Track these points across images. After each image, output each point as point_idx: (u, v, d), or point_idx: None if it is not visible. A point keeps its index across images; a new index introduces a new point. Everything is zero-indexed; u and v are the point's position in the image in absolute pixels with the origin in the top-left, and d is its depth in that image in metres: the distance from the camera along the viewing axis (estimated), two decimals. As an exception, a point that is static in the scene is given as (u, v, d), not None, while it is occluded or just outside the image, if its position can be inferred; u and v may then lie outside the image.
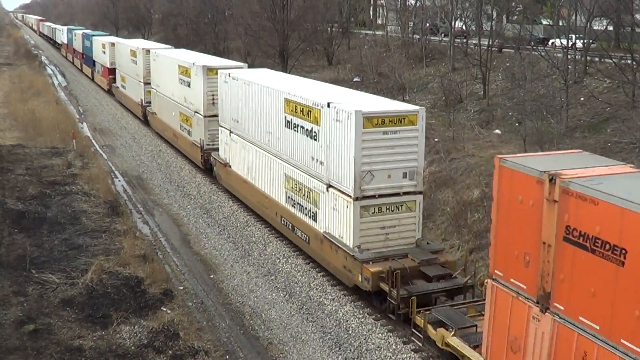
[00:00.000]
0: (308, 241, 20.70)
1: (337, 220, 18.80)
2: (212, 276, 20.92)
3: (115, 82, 54.58)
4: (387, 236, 18.29)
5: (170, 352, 15.59)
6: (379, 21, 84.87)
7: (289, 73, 46.93)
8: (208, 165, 30.63)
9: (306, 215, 20.73)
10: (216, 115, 29.06)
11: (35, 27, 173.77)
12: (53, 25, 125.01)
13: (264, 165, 23.74)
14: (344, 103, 18.77)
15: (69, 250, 21.22)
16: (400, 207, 18.35)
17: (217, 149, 29.39)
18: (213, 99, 29.77)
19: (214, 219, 26.11)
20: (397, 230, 18.39)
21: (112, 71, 55.78)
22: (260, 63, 52.33)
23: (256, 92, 24.02)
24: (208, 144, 30.48)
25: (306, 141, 20.31)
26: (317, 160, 19.75)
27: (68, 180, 29.29)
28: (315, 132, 19.71)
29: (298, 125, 20.76)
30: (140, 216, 26.68)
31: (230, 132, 26.98)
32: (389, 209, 18.25)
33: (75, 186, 28.33)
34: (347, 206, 18.09)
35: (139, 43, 49.93)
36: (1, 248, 20.99)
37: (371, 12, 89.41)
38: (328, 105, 18.78)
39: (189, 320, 17.29)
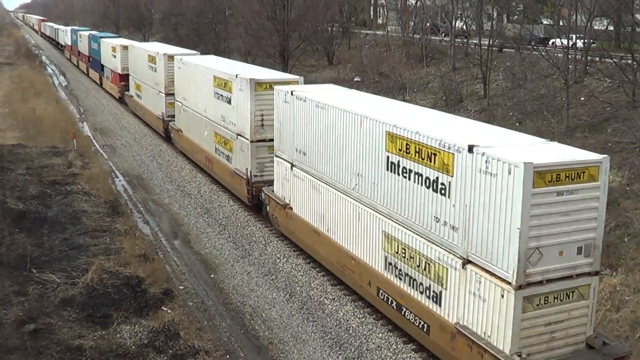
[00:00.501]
0: (427, 331, 15.40)
1: (482, 311, 13.77)
2: (212, 276, 20.94)
3: (128, 90, 49.24)
4: (552, 335, 13.53)
5: (170, 351, 15.60)
6: (380, 21, 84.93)
7: (289, 73, 46.92)
8: (256, 200, 25.26)
9: (422, 294, 15.53)
10: (265, 140, 24.39)
11: (36, 28, 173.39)
12: (55, 26, 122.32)
13: (349, 216, 18.32)
14: (496, 147, 13.68)
15: (69, 250, 21.23)
16: (571, 295, 13.61)
17: (269, 182, 24.20)
18: (262, 120, 24.52)
19: (215, 218, 26.12)
20: (564, 326, 13.59)
21: (124, 77, 50.47)
22: (261, 63, 52.38)
23: (337, 120, 18.55)
24: (256, 175, 24.94)
25: (426, 194, 15.07)
26: (445, 223, 14.58)
27: (68, 180, 29.31)
28: (443, 184, 14.48)
29: (411, 170, 15.48)
30: (141, 216, 26.69)
31: (293, 165, 21.53)
32: (557, 298, 13.47)
33: (76, 186, 28.35)
34: (502, 295, 13.20)
35: (159, 47, 43.93)
36: (2, 248, 21.01)
37: (372, 12, 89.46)
38: (470, 150, 13.61)
39: (190, 320, 17.30)
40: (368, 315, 17.81)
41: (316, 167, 20.03)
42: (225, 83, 27.16)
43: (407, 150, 15.58)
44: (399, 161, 15.93)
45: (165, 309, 17.69)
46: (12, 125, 41.48)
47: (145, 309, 17.61)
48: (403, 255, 16.09)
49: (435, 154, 14.68)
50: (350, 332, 17.12)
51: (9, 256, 20.32)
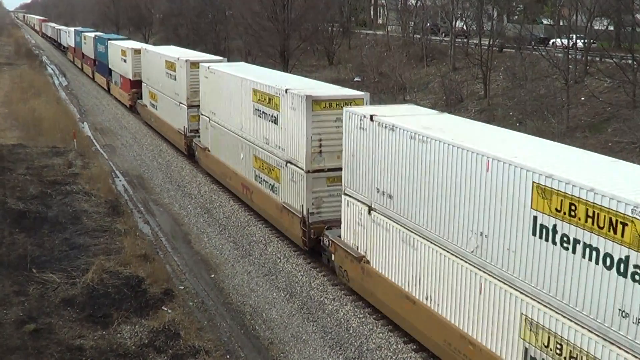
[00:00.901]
0: None
1: None
2: (212, 276, 20.94)
3: (141, 98, 45.02)
4: None
5: (170, 351, 15.60)
6: (380, 21, 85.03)
7: (289, 72, 46.88)
8: (313, 244, 20.72)
9: None
10: (324, 170, 20.48)
11: (37, 28, 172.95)
12: (57, 27, 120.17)
13: (464, 286, 13.97)
14: None
15: (69, 249, 21.23)
16: None
17: (328, 222, 20.21)
18: (320, 145, 20.51)
19: (215, 218, 26.12)
20: None
21: (135, 84, 46.22)
22: (261, 63, 52.39)
23: (447, 158, 14.04)
24: (313, 213, 20.56)
25: (605, 277, 10.87)
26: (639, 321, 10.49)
27: (69, 179, 29.31)
28: (638, 267, 10.48)
29: (577, 241, 11.19)
30: (141, 216, 26.70)
31: (371, 209, 17.10)
32: None
33: (76, 186, 28.35)
34: None
35: (178, 52, 39.12)
36: (2, 248, 21.01)
37: (372, 12, 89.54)
38: None
39: (190, 320, 17.30)
40: (368, 315, 17.81)
41: (409, 215, 15.51)
42: (270, 99, 22.87)
43: (572, 213, 11.27)
44: (555, 225, 11.59)
45: (165, 308, 17.69)
46: (13, 125, 41.50)
47: (145, 308, 17.60)
48: (558, 351, 11.81)
49: (624, 224, 10.45)
50: (351, 332, 17.12)
51: (9, 256, 20.32)
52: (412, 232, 15.45)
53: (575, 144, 26.79)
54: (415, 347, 16.17)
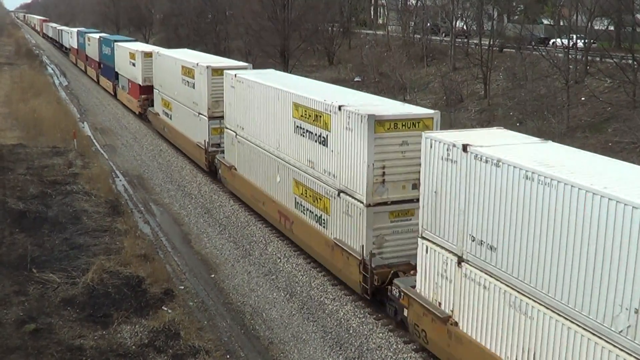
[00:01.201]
0: None
1: None
2: (212, 276, 20.94)
3: (152, 105, 41.64)
4: None
5: (171, 351, 15.60)
6: (380, 21, 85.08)
7: (290, 72, 46.78)
8: (373, 290, 17.42)
9: None
10: (387, 203, 17.32)
11: (38, 28, 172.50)
12: (59, 27, 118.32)
13: None
14: None
15: (69, 249, 21.24)
16: None
17: (394, 266, 17.22)
18: (384, 174, 17.17)
19: (215, 218, 26.12)
20: None
21: (146, 90, 42.99)
22: (261, 63, 52.41)
23: (588, 210, 10.94)
24: (374, 254, 17.25)
25: None
26: None
27: (69, 179, 29.32)
28: None
29: None
30: (141, 215, 26.69)
31: (462, 260, 13.90)
32: None
33: (76, 186, 28.36)
34: None
35: (197, 57, 35.39)
36: (2, 248, 21.02)
37: (372, 12, 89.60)
38: None
39: (190, 320, 17.31)
40: (368, 315, 17.81)
41: (520, 274, 12.43)
42: (317, 116, 19.65)
43: None
44: None
45: (165, 308, 17.70)
46: (13, 125, 41.51)
47: (145, 308, 17.61)
48: None
49: None
50: (351, 331, 17.12)
51: (9, 256, 20.33)
52: (523, 294, 12.32)
53: (575, 144, 26.82)
54: (415, 347, 16.17)
